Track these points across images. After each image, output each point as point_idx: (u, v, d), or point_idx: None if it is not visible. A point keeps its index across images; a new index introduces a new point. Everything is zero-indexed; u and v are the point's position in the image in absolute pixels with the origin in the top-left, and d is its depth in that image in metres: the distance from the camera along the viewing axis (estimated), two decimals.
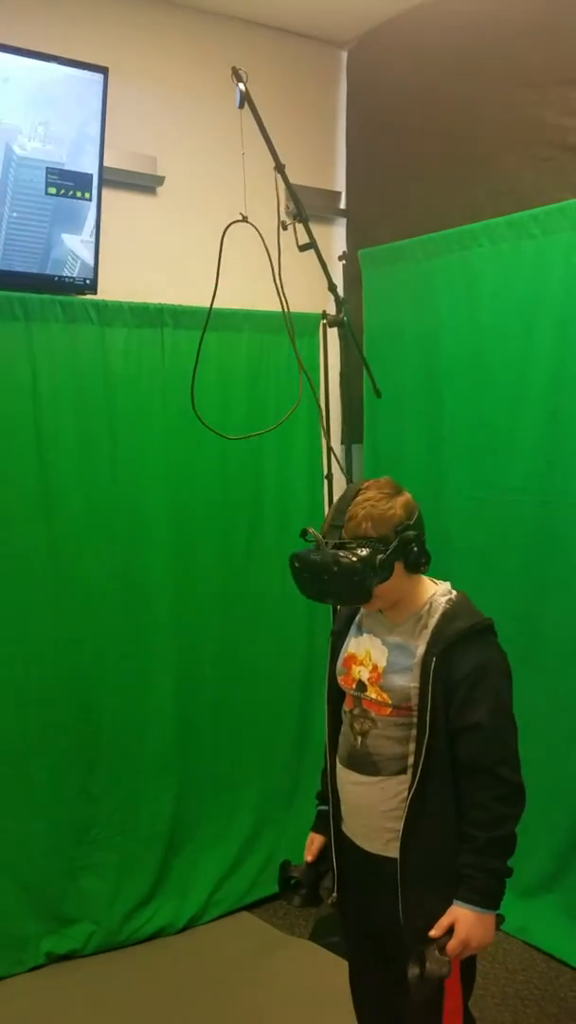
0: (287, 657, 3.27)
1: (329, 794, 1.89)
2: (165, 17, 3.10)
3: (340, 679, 1.86)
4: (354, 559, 1.64)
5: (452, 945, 1.63)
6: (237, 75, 2.35)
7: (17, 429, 2.72)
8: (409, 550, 1.70)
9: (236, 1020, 2.54)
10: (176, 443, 2.97)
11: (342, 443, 3.43)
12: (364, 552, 1.65)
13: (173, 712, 3.01)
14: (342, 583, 1.67)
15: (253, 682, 3.20)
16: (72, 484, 2.80)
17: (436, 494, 3.14)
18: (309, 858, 1.95)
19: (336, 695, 1.89)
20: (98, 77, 2.68)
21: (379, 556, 1.66)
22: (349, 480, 3.18)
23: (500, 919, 1.70)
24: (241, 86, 2.35)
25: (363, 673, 1.79)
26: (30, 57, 2.54)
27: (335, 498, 3.19)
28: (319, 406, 3.07)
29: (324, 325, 3.13)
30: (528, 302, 2.80)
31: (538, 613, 2.87)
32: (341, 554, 1.66)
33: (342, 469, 3.05)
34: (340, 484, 3.20)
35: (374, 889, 1.79)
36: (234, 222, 2.44)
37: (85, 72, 2.65)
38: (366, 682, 1.78)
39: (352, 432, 3.39)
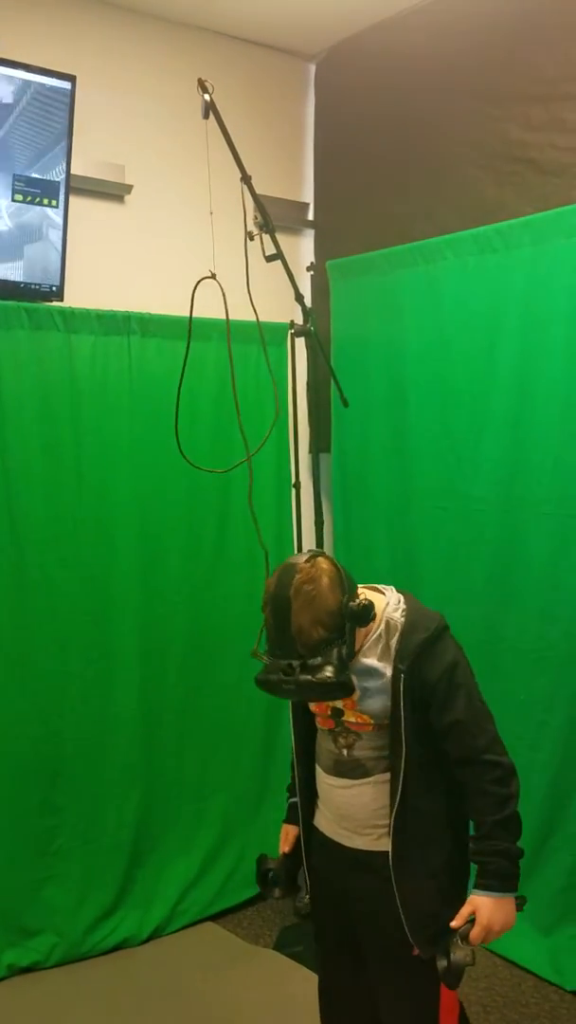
0: (254, 665, 3.25)
1: (300, 790, 1.92)
2: (133, 27, 3.11)
3: (313, 707, 1.87)
4: (328, 675, 1.63)
5: (475, 933, 1.68)
6: (203, 86, 2.37)
7: None
8: (359, 616, 1.70)
9: None
10: (142, 450, 2.97)
11: (310, 452, 3.45)
12: (332, 663, 1.64)
13: (138, 721, 2.99)
14: (327, 694, 1.70)
15: (219, 690, 3.20)
16: (36, 491, 2.79)
17: (403, 502, 3.17)
18: (286, 849, 1.98)
19: (304, 713, 1.90)
20: (66, 85, 2.69)
21: (344, 649, 1.67)
22: (316, 489, 3.20)
23: (521, 900, 1.73)
24: (207, 96, 2.37)
25: (336, 702, 1.80)
26: None
27: (298, 505, 3.21)
28: (288, 415, 3.08)
29: (292, 335, 3.15)
30: (491, 314, 2.84)
31: (502, 620, 2.90)
32: (313, 678, 1.64)
33: (310, 477, 3.07)
34: (308, 492, 3.23)
35: (367, 885, 1.79)
36: (203, 279, 2.44)
37: (53, 80, 2.66)
38: (342, 708, 1.79)
39: (320, 441, 3.42)
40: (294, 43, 3.48)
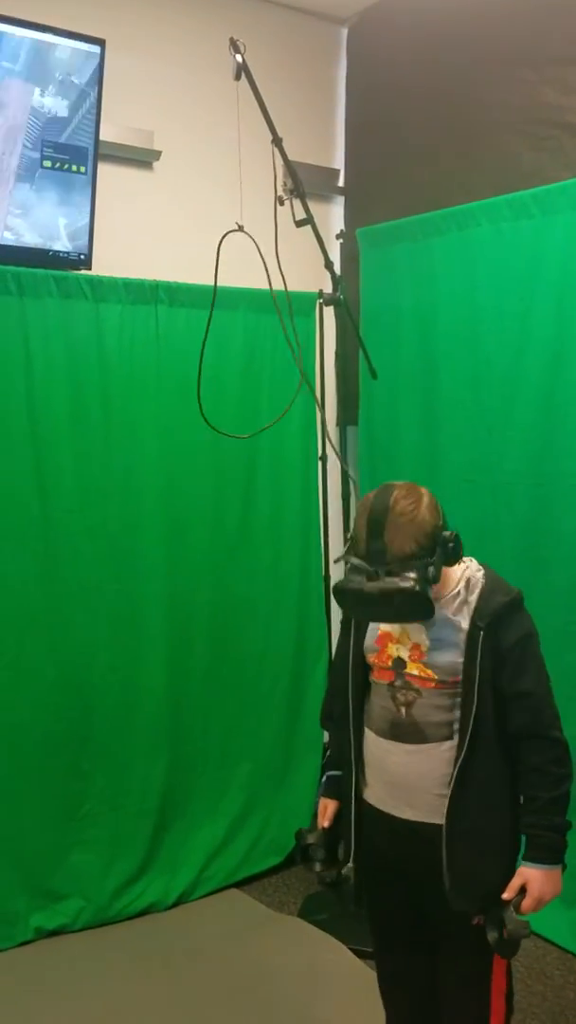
0: (279, 636, 3.28)
1: (354, 766, 1.88)
2: None
3: (372, 656, 1.85)
4: (413, 584, 1.63)
5: (528, 904, 1.71)
6: (235, 46, 2.32)
7: (11, 405, 2.71)
8: (448, 550, 1.72)
9: (225, 996, 2.55)
10: (170, 420, 2.96)
11: (337, 424, 3.42)
12: (417, 574, 1.65)
13: (165, 689, 3.01)
14: (405, 607, 1.68)
15: (245, 660, 3.21)
16: (66, 461, 2.79)
17: (431, 476, 3.12)
18: (325, 823, 1.97)
19: (359, 668, 1.88)
20: (96, 49, 2.65)
21: (430, 569, 1.67)
22: (343, 462, 3.18)
23: (564, 867, 1.76)
24: (239, 57, 2.32)
25: (401, 651, 1.80)
26: (28, 28, 2.51)
27: (324, 478, 3.19)
28: (314, 387, 3.05)
29: (320, 304, 3.11)
30: (526, 282, 2.78)
31: (531, 595, 2.85)
32: (399, 581, 1.64)
33: (336, 451, 3.04)
34: (334, 465, 3.20)
35: (421, 857, 1.79)
36: (230, 232, 2.42)
37: (82, 44, 2.63)
38: (406, 659, 1.78)
39: (347, 413, 3.38)
40: (326, 6, 3.41)
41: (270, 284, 2.55)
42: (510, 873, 1.74)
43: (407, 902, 1.89)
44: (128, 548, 2.92)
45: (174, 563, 3.01)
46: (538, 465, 2.82)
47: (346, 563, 1.75)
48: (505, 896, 1.71)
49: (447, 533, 1.71)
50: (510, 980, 1.84)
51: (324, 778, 2.02)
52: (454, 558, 1.74)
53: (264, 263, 2.56)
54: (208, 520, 3.10)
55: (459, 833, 1.74)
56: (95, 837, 2.91)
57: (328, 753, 2.03)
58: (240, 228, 2.39)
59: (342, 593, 1.72)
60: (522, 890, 1.71)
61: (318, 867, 1.96)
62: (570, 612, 2.75)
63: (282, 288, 2.58)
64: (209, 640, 3.12)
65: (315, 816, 2.03)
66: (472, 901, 1.74)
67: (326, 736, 2.12)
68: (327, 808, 1.99)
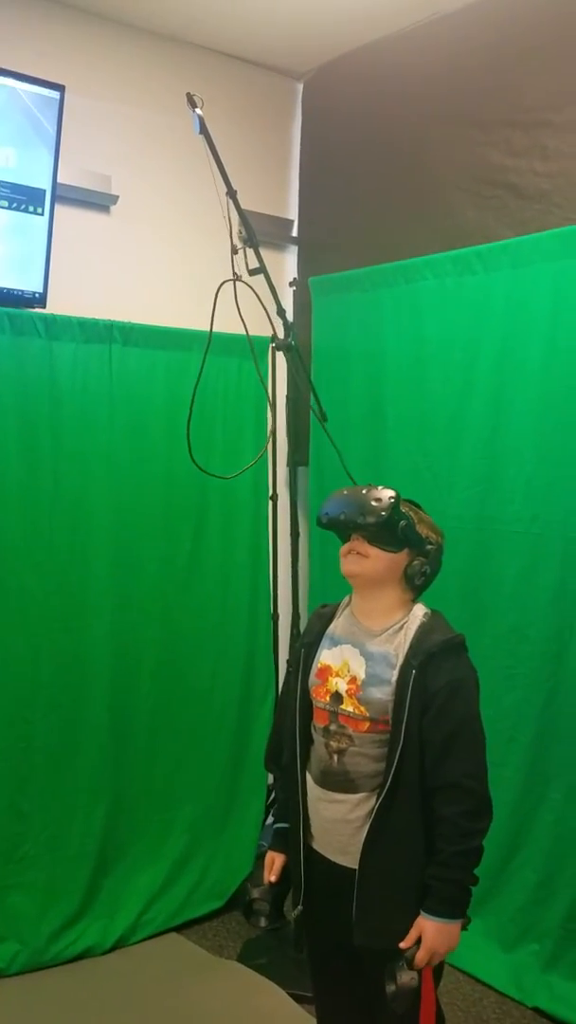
0: (226, 674, 3.28)
1: (299, 809, 1.87)
2: (123, 40, 3.14)
3: (313, 690, 1.85)
4: (388, 496, 1.77)
5: (420, 957, 1.69)
6: (192, 101, 2.39)
7: None
8: (419, 561, 1.81)
9: None
10: (120, 458, 2.98)
11: (287, 465, 3.47)
12: (390, 510, 1.76)
13: (108, 729, 2.98)
14: (374, 512, 1.76)
15: (191, 699, 3.20)
16: (12, 497, 2.79)
17: None
18: (272, 878, 1.94)
19: (306, 708, 1.88)
20: (55, 94, 2.71)
21: (402, 522, 1.77)
22: (293, 502, 3.22)
23: (467, 921, 1.75)
24: (198, 111, 2.39)
25: (340, 685, 1.80)
26: None
27: (274, 517, 3.23)
28: (266, 428, 3.10)
29: (273, 349, 3.18)
30: (469, 335, 2.88)
31: (473, 638, 2.90)
32: (372, 500, 1.77)
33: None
34: (285, 505, 3.24)
35: (345, 899, 1.79)
36: (226, 281, 2.47)
37: (42, 88, 2.68)
38: (343, 694, 1.78)
39: (298, 454, 3.43)
40: (282, 62, 3.52)
41: (243, 323, 2.59)
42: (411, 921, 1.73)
43: (344, 945, 1.88)
44: (75, 584, 2.91)
45: (121, 599, 3.01)
46: (479, 510, 2.89)
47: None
48: (401, 945, 1.70)
49: (429, 548, 1.82)
50: (437, 1002, 1.85)
51: (271, 829, 2.00)
52: (412, 575, 1.81)
53: (213, 309, 2.60)
54: (157, 558, 3.11)
55: (370, 873, 1.74)
56: (32, 880, 2.85)
57: (274, 799, 2.03)
58: (238, 278, 2.44)
59: (322, 518, 1.83)
60: (418, 941, 1.70)
61: (263, 922, 1.94)
62: (509, 656, 2.82)
63: (227, 332, 2.62)
64: (155, 679, 3.11)
65: (259, 869, 2.00)
66: (374, 939, 1.74)
67: (270, 778, 2.12)
68: (274, 862, 1.95)
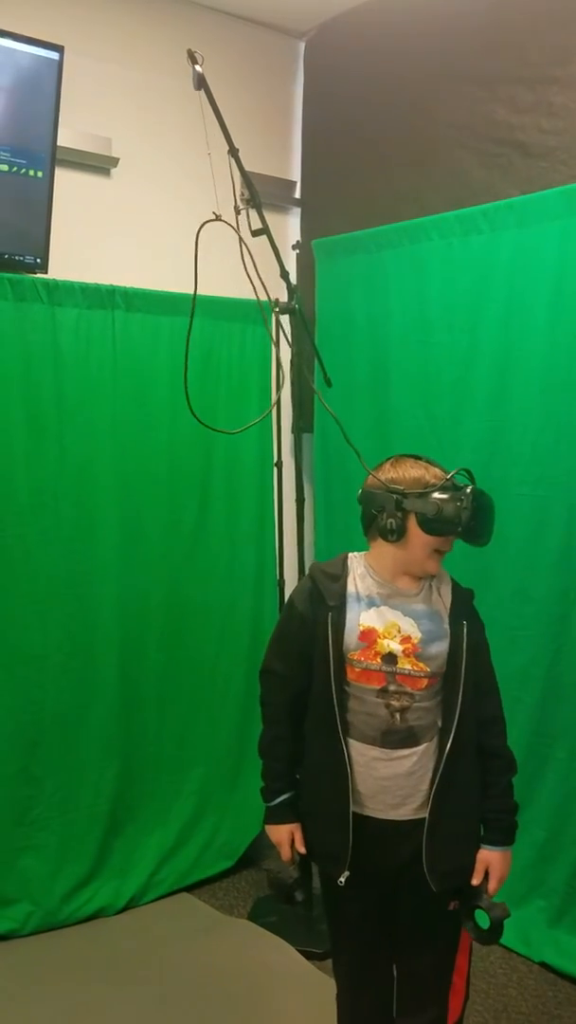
0: (233, 639, 3.30)
1: (346, 775, 1.79)
2: None
3: (356, 654, 1.78)
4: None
5: (492, 886, 1.79)
6: (192, 57, 2.35)
7: None
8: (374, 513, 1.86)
9: (175, 1000, 2.56)
10: (125, 425, 2.97)
11: (292, 431, 3.46)
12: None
13: (117, 693, 3.01)
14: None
15: (198, 663, 3.22)
16: (18, 463, 2.79)
17: None
18: (302, 850, 1.87)
19: (341, 674, 1.80)
20: (54, 55, 2.67)
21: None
22: (298, 468, 3.22)
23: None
24: (198, 68, 2.35)
25: (391, 646, 1.77)
26: None
27: (279, 484, 3.22)
28: (271, 393, 3.09)
29: (276, 313, 3.15)
30: (475, 295, 2.86)
31: (479, 598, 2.92)
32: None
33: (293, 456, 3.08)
34: (290, 471, 3.24)
35: (399, 853, 1.80)
36: (208, 221, 2.42)
37: (40, 50, 2.64)
38: (398, 654, 1.76)
39: (302, 420, 3.43)
40: (284, 20, 3.46)
41: (253, 286, 2.53)
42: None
43: (378, 903, 1.87)
44: (81, 550, 2.92)
45: (128, 566, 3.02)
46: (485, 473, 2.87)
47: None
48: (474, 882, 1.79)
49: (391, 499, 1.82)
50: (470, 964, 1.94)
51: (275, 802, 1.88)
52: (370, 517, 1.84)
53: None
54: (163, 523, 3.11)
55: (441, 818, 1.77)
56: (44, 842, 2.89)
57: (274, 764, 1.90)
58: (218, 217, 2.37)
59: (482, 495, 1.88)
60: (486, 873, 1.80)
61: (299, 896, 1.87)
62: (515, 618, 2.82)
63: (238, 296, 2.60)
64: (163, 643, 3.13)
65: (278, 847, 1.90)
66: (446, 881, 1.78)
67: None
68: (294, 833, 1.88)
